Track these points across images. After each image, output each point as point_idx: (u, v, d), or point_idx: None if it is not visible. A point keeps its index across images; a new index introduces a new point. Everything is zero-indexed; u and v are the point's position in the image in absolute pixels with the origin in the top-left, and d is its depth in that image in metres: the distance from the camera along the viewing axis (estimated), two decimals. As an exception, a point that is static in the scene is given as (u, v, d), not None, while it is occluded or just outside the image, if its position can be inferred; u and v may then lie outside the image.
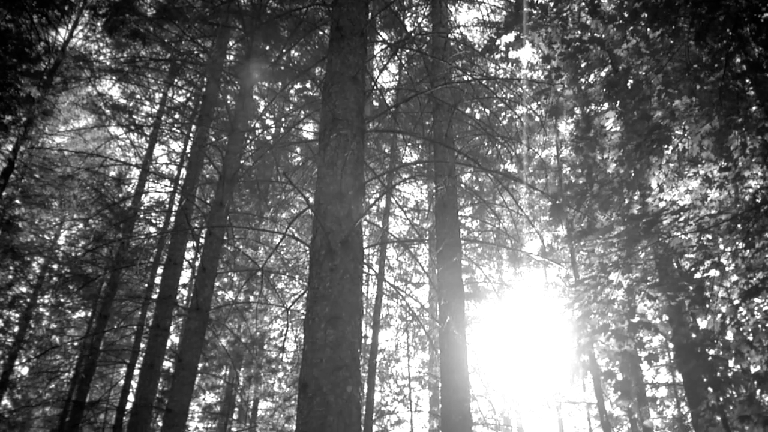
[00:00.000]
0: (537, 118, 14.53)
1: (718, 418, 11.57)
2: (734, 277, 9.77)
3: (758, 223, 8.85)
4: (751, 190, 9.49)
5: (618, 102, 11.01)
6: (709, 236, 9.69)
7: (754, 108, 8.57)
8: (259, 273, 14.62)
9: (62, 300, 14.65)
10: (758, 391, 11.83)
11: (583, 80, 11.03)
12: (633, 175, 9.99)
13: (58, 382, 16.02)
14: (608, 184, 10.40)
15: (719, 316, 9.61)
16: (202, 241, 11.78)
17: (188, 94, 14.99)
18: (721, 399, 10.10)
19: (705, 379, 10.80)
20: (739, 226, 9.25)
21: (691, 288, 9.35)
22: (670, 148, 9.48)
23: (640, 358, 9.90)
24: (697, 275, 9.73)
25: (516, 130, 14.15)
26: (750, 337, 10.15)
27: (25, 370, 15.88)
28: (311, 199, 10.48)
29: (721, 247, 9.52)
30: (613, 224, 11.71)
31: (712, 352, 9.88)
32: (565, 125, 15.47)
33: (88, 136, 15.99)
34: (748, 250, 9.45)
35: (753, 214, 8.88)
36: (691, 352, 10.20)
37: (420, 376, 19.53)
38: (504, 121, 14.52)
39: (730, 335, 9.98)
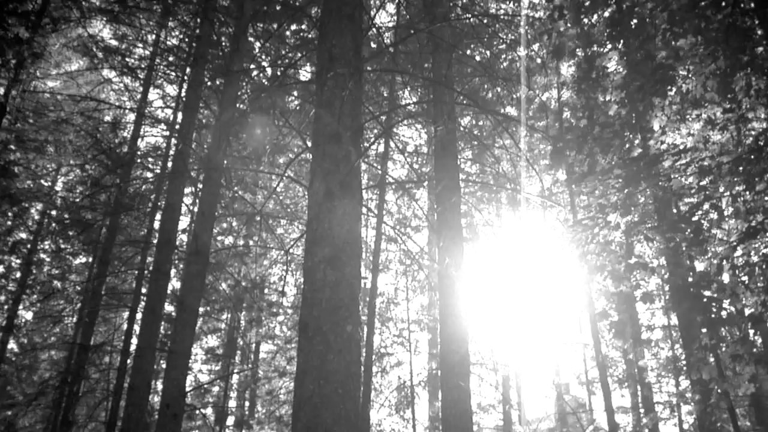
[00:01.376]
0: (538, 60, 14.26)
1: (711, 358, 11.82)
2: (732, 221, 9.81)
3: (759, 165, 8.79)
4: (754, 133, 9.39)
5: (621, 42, 10.75)
6: (710, 178, 9.65)
7: (760, 49, 8.40)
8: (258, 218, 14.65)
9: (62, 246, 14.70)
10: (752, 332, 12.02)
11: (586, 20, 10.76)
12: (635, 117, 9.88)
13: (62, 326, 16.26)
14: (610, 126, 10.29)
15: (716, 258, 9.67)
16: (200, 185, 11.73)
17: (181, 36, 14.64)
18: (713, 339, 10.29)
19: (699, 320, 10.96)
20: (740, 168, 9.20)
21: (689, 230, 9.38)
22: (674, 89, 9.34)
23: (636, 298, 10.01)
24: (696, 217, 9.75)
25: (516, 71, 13.91)
26: (745, 279, 10.24)
27: (29, 315, 16.10)
28: (309, 142, 10.37)
29: (721, 189, 9.50)
30: (613, 167, 11.66)
31: (707, 293, 9.98)
32: (567, 68, 15.20)
33: (81, 80, 15.70)
34: (748, 193, 9.44)
35: (755, 157, 8.81)
36: (687, 293, 10.30)
37: (419, 319, 19.83)
38: (504, 63, 14.26)
39: (726, 277, 10.08)
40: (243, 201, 14.89)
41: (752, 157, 8.88)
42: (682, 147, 9.66)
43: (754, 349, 11.78)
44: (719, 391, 11.52)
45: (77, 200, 13.88)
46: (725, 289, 10.15)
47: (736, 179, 9.27)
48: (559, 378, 21.25)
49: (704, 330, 10.34)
